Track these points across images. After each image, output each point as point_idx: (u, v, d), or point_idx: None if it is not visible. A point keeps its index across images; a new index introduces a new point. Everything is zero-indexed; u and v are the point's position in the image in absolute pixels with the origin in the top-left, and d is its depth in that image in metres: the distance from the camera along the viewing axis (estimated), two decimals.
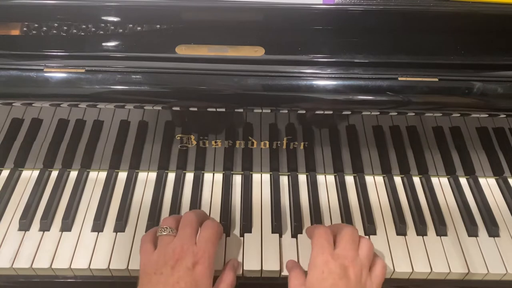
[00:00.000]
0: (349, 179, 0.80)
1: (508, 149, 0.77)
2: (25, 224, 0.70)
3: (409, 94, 0.63)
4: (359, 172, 0.80)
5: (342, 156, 0.78)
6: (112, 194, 0.76)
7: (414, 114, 0.67)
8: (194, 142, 0.75)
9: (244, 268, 0.67)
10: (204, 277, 0.59)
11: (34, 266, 0.66)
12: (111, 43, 0.65)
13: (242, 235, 0.71)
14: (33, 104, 0.65)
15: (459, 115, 0.67)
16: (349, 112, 0.66)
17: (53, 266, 0.66)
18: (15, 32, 0.66)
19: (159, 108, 0.67)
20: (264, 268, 0.67)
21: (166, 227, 0.63)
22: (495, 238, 0.72)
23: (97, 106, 0.66)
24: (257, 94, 0.63)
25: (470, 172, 0.80)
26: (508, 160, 0.79)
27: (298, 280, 0.62)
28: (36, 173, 0.78)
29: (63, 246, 0.69)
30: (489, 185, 0.81)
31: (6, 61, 0.62)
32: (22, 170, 0.79)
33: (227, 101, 0.65)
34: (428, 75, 0.63)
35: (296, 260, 0.68)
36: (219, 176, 0.80)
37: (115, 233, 0.71)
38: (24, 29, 0.66)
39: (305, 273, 0.63)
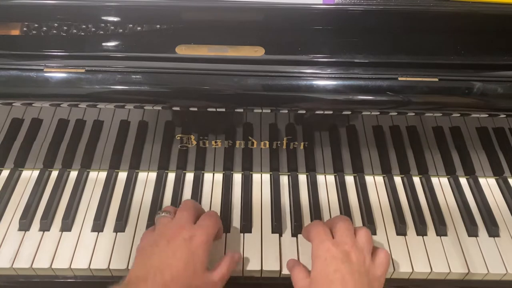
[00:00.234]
0: (349, 179, 0.80)
1: (508, 149, 0.77)
2: (25, 224, 0.70)
3: (409, 94, 0.63)
4: (359, 172, 0.80)
5: (342, 156, 0.78)
6: (112, 194, 0.76)
7: (414, 114, 0.67)
8: (194, 142, 0.75)
9: (244, 268, 0.67)
10: (200, 249, 0.59)
11: (34, 266, 0.66)
12: (111, 43, 0.65)
13: (242, 235, 0.71)
14: (33, 104, 0.65)
15: (459, 115, 0.67)
16: (349, 112, 0.66)
17: (53, 266, 0.66)
18: (15, 32, 0.66)
19: (159, 108, 0.67)
20: (264, 268, 0.67)
21: (164, 211, 0.65)
22: (495, 238, 0.72)
23: (97, 106, 0.66)
24: (257, 94, 0.63)
25: (470, 172, 0.80)
26: (508, 160, 0.79)
27: (301, 274, 0.62)
28: (36, 173, 0.78)
29: (63, 246, 0.69)
30: (489, 185, 0.81)
31: (6, 61, 0.62)
32: (22, 170, 0.79)
33: (227, 101, 0.65)
34: (428, 75, 0.63)
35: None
36: (219, 176, 0.80)
37: (115, 233, 0.71)
38: (24, 29, 0.66)
39: (307, 269, 0.63)
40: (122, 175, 0.79)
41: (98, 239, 0.70)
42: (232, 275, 0.67)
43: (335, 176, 0.81)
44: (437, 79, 0.63)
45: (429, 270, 0.68)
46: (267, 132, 0.74)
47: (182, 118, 0.72)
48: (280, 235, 0.71)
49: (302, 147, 0.76)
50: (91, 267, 0.66)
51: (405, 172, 0.80)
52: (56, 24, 0.66)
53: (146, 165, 0.79)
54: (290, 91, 0.63)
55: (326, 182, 0.80)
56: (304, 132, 0.74)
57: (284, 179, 0.80)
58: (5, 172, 0.78)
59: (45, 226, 0.71)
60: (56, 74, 0.62)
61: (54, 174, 0.78)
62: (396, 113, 0.67)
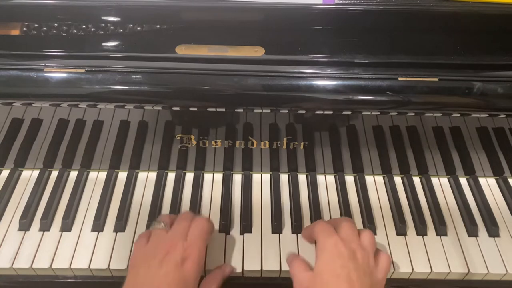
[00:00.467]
0: (349, 179, 0.80)
1: (508, 149, 0.77)
2: (25, 224, 0.70)
3: (409, 94, 0.63)
4: (359, 172, 0.80)
5: (342, 156, 0.78)
6: (112, 194, 0.76)
7: (414, 114, 0.67)
8: (194, 142, 0.75)
9: (244, 268, 0.67)
10: (192, 275, 0.59)
11: (34, 266, 0.66)
12: (111, 43, 0.65)
13: (242, 235, 0.71)
14: (33, 104, 0.65)
15: (459, 115, 0.67)
16: (349, 112, 0.66)
17: (53, 266, 0.66)
18: (15, 32, 0.66)
19: (159, 108, 0.67)
20: (264, 268, 0.67)
21: (160, 222, 0.65)
22: (495, 238, 0.72)
23: (97, 106, 0.66)
24: (257, 94, 0.63)
25: (470, 172, 0.80)
26: (508, 160, 0.79)
27: (302, 267, 0.62)
28: (36, 173, 0.78)
29: (63, 246, 0.69)
30: (489, 185, 0.81)
31: (6, 61, 0.62)
32: (22, 170, 0.79)
33: (227, 101, 0.65)
34: (428, 75, 0.63)
35: None
36: (219, 176, 0.80)
37: (115, 233, 0.71)
38: (24, 29, 0.66)
39: (307, 263, 0.64)
40: (122, 175, 0.79)
41: (98, 239, 0.70)
42: (232, 275, 0.67)
43: (335, 176, 0.81)
44: (437, 79, 0.63)
45: (429, 270, 0.68)
46: (267, 132, 0.74)
47: (182, 118, 0.72)
48: (280, 235, 0.71)
49: (302, 147, 0.76)
50: (91, 267, 0.66)
51: (405, 172, 0.80)
52: (56, 24, 0.66)
53: (146, 165, 0.79)
54: (290, 91, 0.63)
55: (326, 182, 0.80)
56: (304, 132, 0.74)
57: (284, 179, 0.80)
58: (5, 172, 0.78)
59: (45, 226, 0.71)
60: (56, 74, 0.62)
61: (54, 174, 0.78)
62: (396, 113, 0.67)
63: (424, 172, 0.80)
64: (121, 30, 0.67)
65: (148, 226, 0.71)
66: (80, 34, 0.66)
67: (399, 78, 0.63)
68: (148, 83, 0.62)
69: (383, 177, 0.81)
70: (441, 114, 0.67)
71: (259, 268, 0.67)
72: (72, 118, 0.72)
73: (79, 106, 0.66)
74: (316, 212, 0.74)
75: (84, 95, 0.63)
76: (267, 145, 0.76)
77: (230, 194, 0.77)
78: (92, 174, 0.79)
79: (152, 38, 0.66)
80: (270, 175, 0.80)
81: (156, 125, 0.73)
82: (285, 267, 0.67)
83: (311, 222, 0.73)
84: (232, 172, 0.80)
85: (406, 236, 0.72)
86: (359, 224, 0.74)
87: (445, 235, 0.72)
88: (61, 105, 0.65)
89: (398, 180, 0.80)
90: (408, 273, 0.68)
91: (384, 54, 0.65)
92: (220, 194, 0.77)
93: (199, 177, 0.79)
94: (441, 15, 0.65)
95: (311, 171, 0.80)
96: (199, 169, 0.80)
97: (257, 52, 0.64)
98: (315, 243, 0.67)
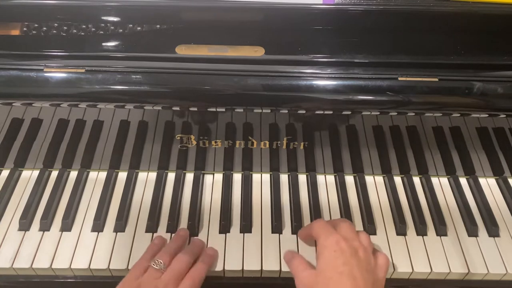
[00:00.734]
0: (349, 179, 0.80)
1: (508, 149, 0.77)
2: (25, 224, 0.70)
3: (409, 94, 0.63)
4: (359, 172, 0.80)
5: (342, 156, 0.78)
6: (112, 194, 0.76)
7: (414, 114, 0.67)
8: (194, 142, 0.75)
9: (244, 268, 0.67)
10: None
11: (34, 266, 0.66)
12: (111, 43, 0.65)
13: (242, 234, 0.71)
14: (33, 104, 0.65)
15: (459, 115, 0.67)
16: (349, 112, 0.66)
17: (53, 266, 0.66)
18: (15, 32, 0.66)
19: (159, 108, 0.67)
20: (264, 268, 0.67)
21: (159, 262, 0.62)
22: (495, 238, 0.72)
23: (97, 106, 0.66)
24: (257, 94, 0.63)
25: (470, 172, 0.80)
26: (508, 160, 0.79)
27: (303, 265, 0.62)
28: (36, 173, 0.78)
29: (63, 246, 0.69)
30: (489, 185, 0.81)
31: (6, 61, 0.62)
32: (22, 170, 0.79)
33: (227, 101, 0.65)
34: (428, 75, 0.63)
35: None
36: (219, 176, 0.80)
37: (115, 233, 0.71)
38: (24, 29, 0.66)
39: (307, 261, 0.64)
40: (122, 175, 0.79)
41: (98, 239, 0.70)
42: (232, 275, 0.67)
43: (335, 176, 0.81)
44: (437, 79, 0.63)
45: (429, 270, 0.68)
46: (267, 132, 0.74)
47: (182, 118, 0.72)
48: (280, 235, 0.71)
49: (302, 147, 0.76)
50: (91, 267, 0.66)
51: (405, 172, 0.80)
52: (56, 24, 0.66)
53: (146, 165, 0.79)
54: (290, 91, 0.63)
55: (326, 182, 0.80)
56: (304, 132, 0.74)
57: (284, 179, 0.80)
58: (5, 172, 0.78)
59: (45, 226, 0.71)
60: (56, 74, 0.62)
61: (54, 174, 0.78)
62: (396, 113, 0.67)
63: (424, 172, 0.80)
64: (121, 30, 0.67)
65: (148, 226, 0.71)
66: (80, 34, 0.66)
67: (399, 78, 0.63)
68: (148, 83, 0.62)
69: (383, 177, 0.81)
70: (441, 114, 0.68)
71: (259, 268, 0.67)
72: (72, 118, 0.72)
73: (79, 106, 0.66)
74: (316, 212, 0.74)
75: (84, 95, 0.63)
76: (267, 145, 0.76)
77: (230, 194, 0.77)
78: (92, 174, 0.79)
79: (152, 38, 0.66)
80: (270, 175, 0.80)
81: (156, 125, 0.73)
82: (285, 267, 0.67)
83: (311, 222, 0.73)
84: (232, 172, 0.80)
85: (406, 236, 0.72)
86: (359, 224, 0.74)
87: (445, 235, 0.72)
88: (61, 105, 0.65)
89: (398, 180, 0.80)
90: (408, 273, 0.68)
91: (384, 54, 0.65)
92: (220, 194, 0.77)
93: (199, 177, 0.79)
94: (441, 15, 0.65)
95: (311, 171, 0.80)
96: (199, 169, 0.80)
97: (257, 52, 0.64)
98: (315, 243, 0.67)
